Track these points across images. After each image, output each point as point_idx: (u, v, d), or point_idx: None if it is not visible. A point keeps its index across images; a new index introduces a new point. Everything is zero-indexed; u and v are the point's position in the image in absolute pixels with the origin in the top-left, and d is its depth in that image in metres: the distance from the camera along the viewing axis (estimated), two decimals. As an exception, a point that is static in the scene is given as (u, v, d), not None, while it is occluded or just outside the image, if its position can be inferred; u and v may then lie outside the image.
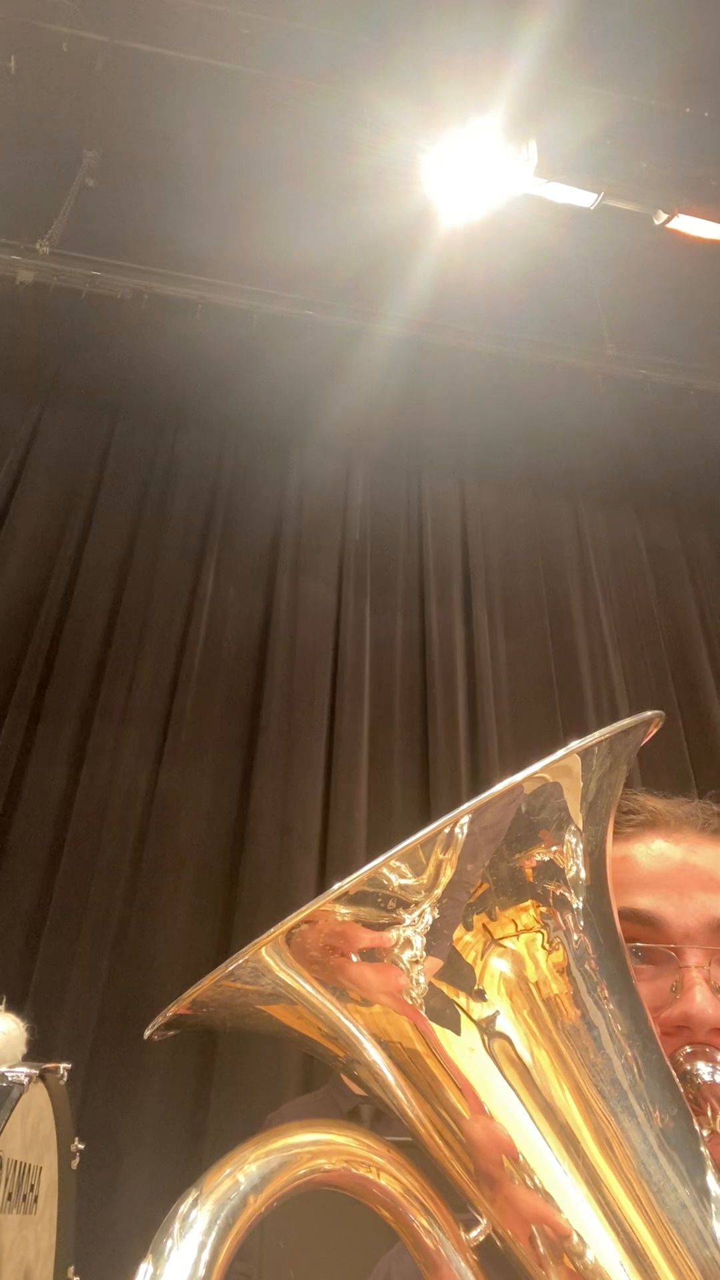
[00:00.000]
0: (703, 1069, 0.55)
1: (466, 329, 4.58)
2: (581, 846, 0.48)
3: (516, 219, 4.23)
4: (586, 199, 4.06)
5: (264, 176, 4.18)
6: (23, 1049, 1.79)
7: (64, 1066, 1.78)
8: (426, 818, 3.70)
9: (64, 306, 4.18)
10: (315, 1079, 2.89)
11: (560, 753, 0.46)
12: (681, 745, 4.17)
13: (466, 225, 4.20)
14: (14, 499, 4.23)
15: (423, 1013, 0.44)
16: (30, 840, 3.41)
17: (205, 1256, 0.38)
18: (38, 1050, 1.85)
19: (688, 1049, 0.58)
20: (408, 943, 0.44)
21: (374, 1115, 1.80)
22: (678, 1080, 0.49)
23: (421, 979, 0.44)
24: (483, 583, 4.56)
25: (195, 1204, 0.40)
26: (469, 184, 4.02)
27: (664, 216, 4.14)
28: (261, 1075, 3.05)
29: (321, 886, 3.47)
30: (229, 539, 4.39)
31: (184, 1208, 0.40)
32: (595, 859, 0.49)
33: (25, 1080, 1.58)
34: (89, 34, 3.69)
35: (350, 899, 0.43)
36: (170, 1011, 0.45)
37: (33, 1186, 1.63)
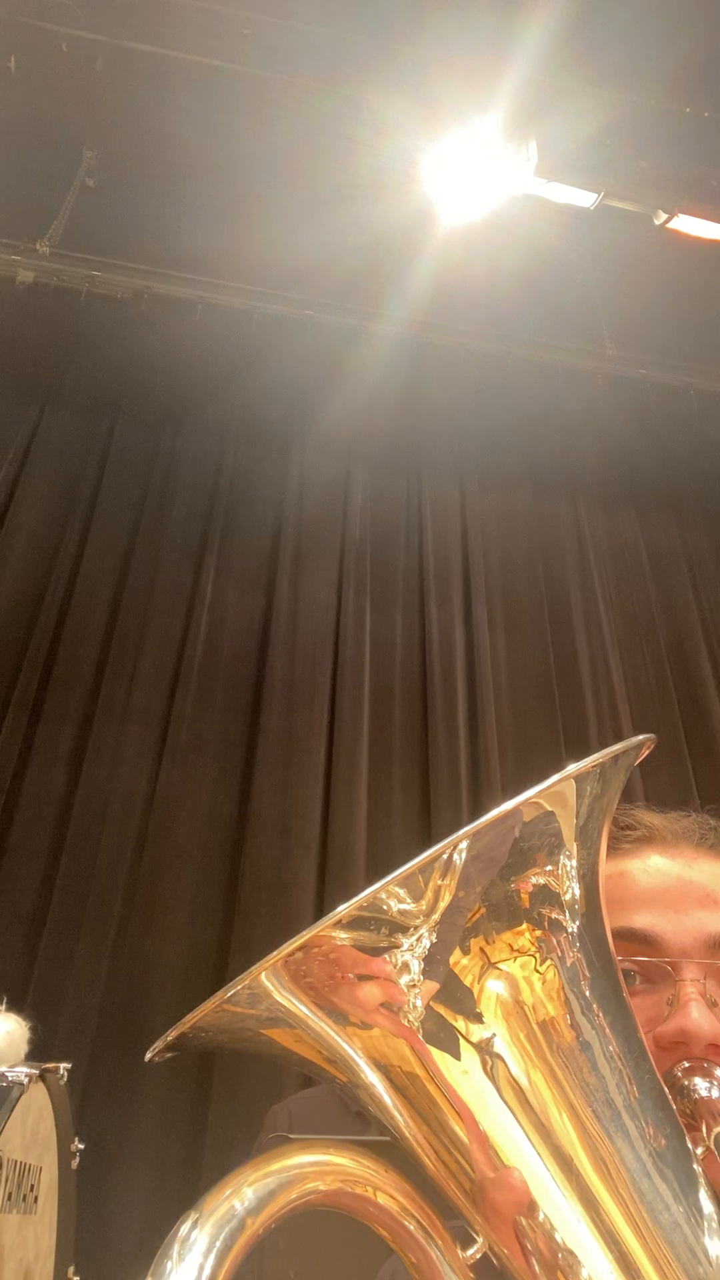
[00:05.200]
0: (700, 1084, 0.55)
1: (466, 329, 4.58)
2: (575, 870, 0.49)
3: (516, 219, 4.23)
4: (586, 199, 4.07)
5: (264, 176, 4.18)
6: (25, 1048, 1.80)
7: (64, 1066, 1.78)
8: (426, 818, 3.71)
9: (64, 306, 4.18)
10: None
11: (553, 779, 0.46)
12: (681, 746, 4.16)
13: (466, 225, 4.19)
14: (14, 499, 4.23)
15: (420, 1036, 0.45)
16: (30, 840, 3.41)
17: (204, 1278, 0.39)
18: (38, 1050, 1.85)
19: (685, 1064, 0.57)
20: (405, 967, 0.44)
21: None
22: (671, 1098, 0.49)
23: (419, 1002, 0.45)
24: (483, 583, 4.56)
25: (195, 1225, 0.41)
26: (469, 184, 4.02)
27: (664, 216, 4.14)
28: (261, 1075, 3.05)
29: (321, 887, 3.47)
30: (229, 539, 4.39)
31: (184, 1229, 0.41)
32: (588, 882, 0.50)
33: (25, 1080, 1.58)
34: (89, 34, 3.69)
35: (348, 924, 0.43)
36: (170, 1035, 0.45)
37: (33, 1186, 1.63)
